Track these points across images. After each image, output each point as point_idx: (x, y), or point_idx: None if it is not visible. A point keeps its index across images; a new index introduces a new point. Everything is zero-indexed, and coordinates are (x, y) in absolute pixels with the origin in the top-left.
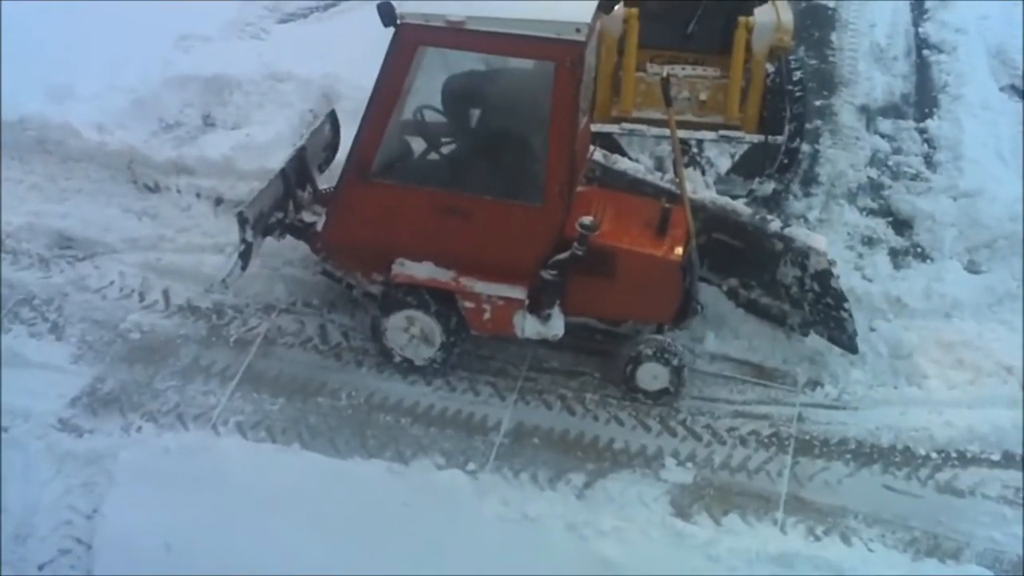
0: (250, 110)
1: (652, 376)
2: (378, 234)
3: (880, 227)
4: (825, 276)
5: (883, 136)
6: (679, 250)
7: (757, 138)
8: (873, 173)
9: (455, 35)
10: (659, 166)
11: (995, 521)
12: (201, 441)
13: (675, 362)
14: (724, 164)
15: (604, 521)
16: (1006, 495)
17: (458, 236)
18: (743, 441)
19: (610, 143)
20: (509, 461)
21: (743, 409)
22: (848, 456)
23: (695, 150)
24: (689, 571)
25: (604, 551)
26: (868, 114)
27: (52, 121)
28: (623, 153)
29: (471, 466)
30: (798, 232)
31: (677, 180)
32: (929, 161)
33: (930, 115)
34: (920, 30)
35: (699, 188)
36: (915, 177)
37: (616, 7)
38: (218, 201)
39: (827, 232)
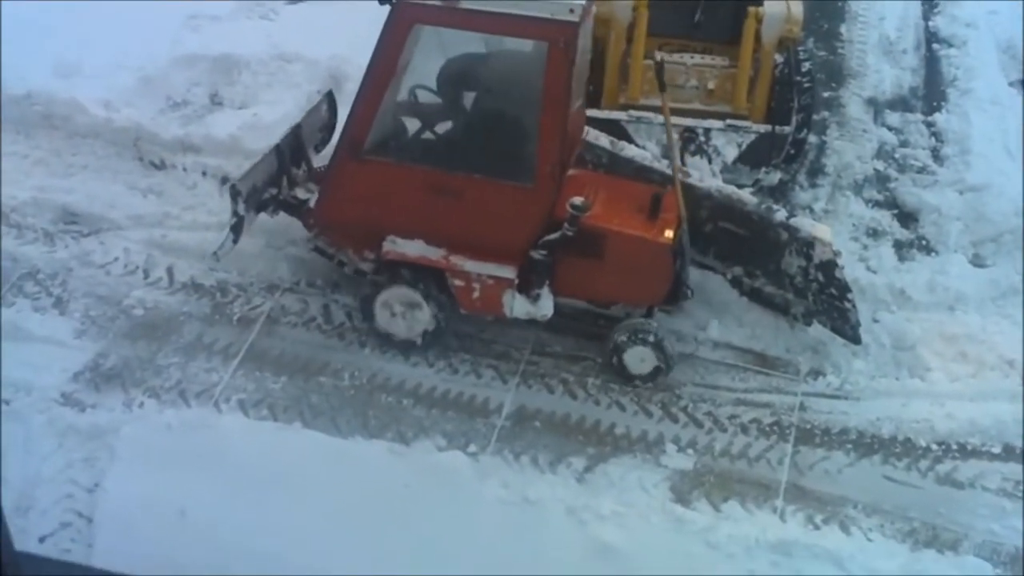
0: (258, 90)
1: (639, 360)
2: (370, 212)
3: (885, 219)
4: (830, 266)
5: (890, 129)
6: (669, 233)
7: (764, 128)
8: (880, 165)
9: (450, 13)
10: (666, 153)
11: (994, 513)
12: (203, 418)
13: (651, 339)
14: (731, 153)
15: (604, 505)
16: (1006, 488)
17: (449, 215)
18: (744, 429)
19: (618, 130)
20: (510, 444)
21: (745, 397)
22: (849, 446)
23: (702, 139)
24: (688, 557)
25: (603, 535)
26: (876, 106)
27: (59, 97)
28: (631, 140)
29: (472, 448)
30: (803, 222)
31: (672, 165)
32: (936, 155)
33: (938, 109)
34: (930, 24)
35: (705, 177)
36: (921, 170)
37: None
38: (224, 180)
39: (832, 223)
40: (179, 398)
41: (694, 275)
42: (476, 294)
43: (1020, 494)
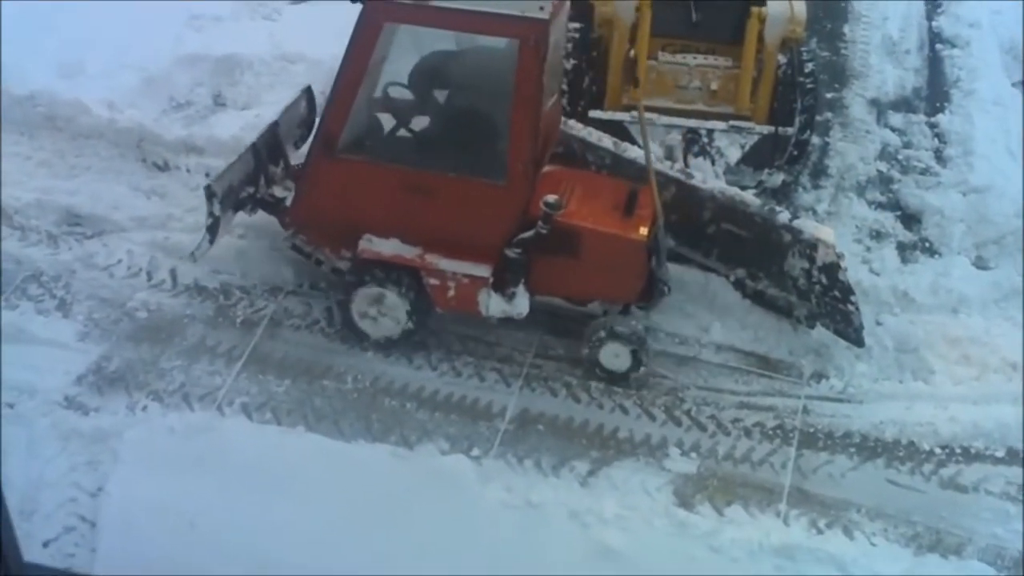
0: (260, 90)
1: (614, 356)
2: (345, 210)
3: (889, 221)
4: (833, 269)
5: (893, 130)
6: (644, 230)
7: (767, 129)
8: (883, 167)
9: (420, 12)
10: (669, 155)
11: (998, 517)
12: (206, 421)
13: (626, 336)
14: (734, 155)
15: (607, 509)
16: (1009, 491)
17: (424, 213)
18: (747, 432)
19: (621, 131)
20: (513, 447)
21: (748, 400)
22: (852, 450)
23: (705, 140)
24: (691, 561)
25: (607, 539)
26: (879, 107)
27: (62, 97)
28: (633, 141)
29: (475, 452)
30: (806, 224)
31: (647, 161)
32: (939, 156)
33: (941, 110)
34: (933, 24)
35: (708, 178)
36: (925, 172)
37: None
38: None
39: (835, 225)
40: (182, 401)
41: (696, 277)
42: (451, 293)
43: (1023, 498)
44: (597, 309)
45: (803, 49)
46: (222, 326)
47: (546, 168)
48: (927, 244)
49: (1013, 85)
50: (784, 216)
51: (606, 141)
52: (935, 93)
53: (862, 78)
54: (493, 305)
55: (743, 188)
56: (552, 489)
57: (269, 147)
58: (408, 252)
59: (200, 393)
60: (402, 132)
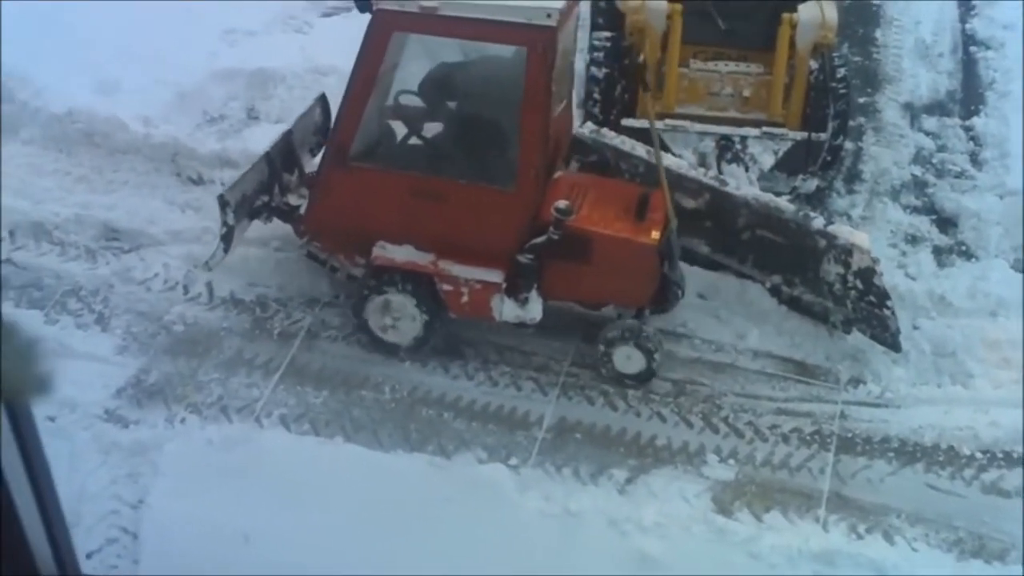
0: (293, 103)
1: (626, 358)
2: (358, 218)
3: (924, 225)
4: (868, 274)
5: (927, 133)
6: (655, 234)
7: (800, 135)
8: (917, 171)
9: (428, 20)
10: (702, 162)
11: None
12: (245, 433)
13: (638, 339)
14: (767, 161)
15: (646, 517)
16: None
17: (436, 220)
18: (785, 438)
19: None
20: (551, 456)
21: (785, 406)
22: (891, 454)
23: (738, 147)
24: (730, 568)
25: (645, 547)
26: (912, 111)
27: (99, 114)
28: (666, 149)
29: (513, 461)
30: (841, 229)
31: (657, 164)
32: (975, 159)
33: (976, 112)
34: (967, 26)
35: (742, 185)
36: (960, 175)
37: None
38: None
39: (870, 230)
40: (221, 414)
41: (732, 284)
42: (465, 298)
43: None
44: (611, 313)
45: (835, 54)
46: (259, 338)
47: (557, 174)
48: (963, 248)
49: None
50: (819, 222)
51: (639, 149)
52: (970, 96)
53: (895, 82)
54: (506, 311)
55: (777, 194)
56: (590, 497)
57: (283, 155)
58: (421, 259)
59: (238, 405)
60: (413, 140)
